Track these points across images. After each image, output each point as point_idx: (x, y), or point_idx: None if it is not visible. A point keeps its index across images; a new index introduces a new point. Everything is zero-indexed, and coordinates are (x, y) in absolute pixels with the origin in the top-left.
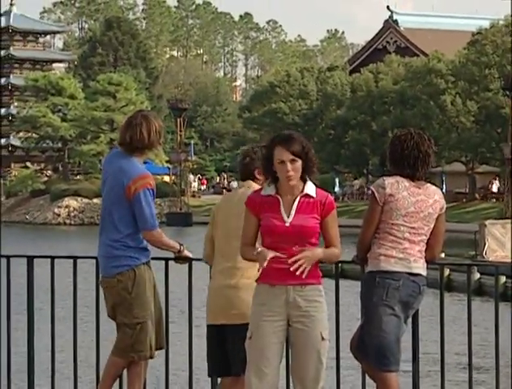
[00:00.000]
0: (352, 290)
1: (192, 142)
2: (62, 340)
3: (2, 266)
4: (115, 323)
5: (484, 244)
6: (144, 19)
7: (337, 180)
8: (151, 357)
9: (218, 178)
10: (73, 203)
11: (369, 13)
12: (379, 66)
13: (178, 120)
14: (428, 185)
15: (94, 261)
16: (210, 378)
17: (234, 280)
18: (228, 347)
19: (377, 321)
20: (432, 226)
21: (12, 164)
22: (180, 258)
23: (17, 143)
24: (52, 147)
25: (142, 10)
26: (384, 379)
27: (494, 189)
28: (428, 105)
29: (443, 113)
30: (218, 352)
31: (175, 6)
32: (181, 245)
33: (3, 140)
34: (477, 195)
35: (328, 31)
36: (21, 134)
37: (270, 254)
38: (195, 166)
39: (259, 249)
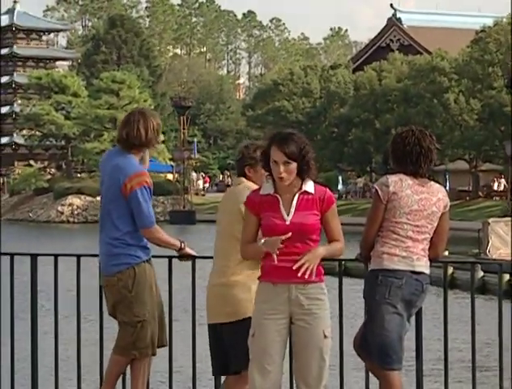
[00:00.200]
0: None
1: (195, 140)
2: (66, 339)
3: (6, 264)
4: (117, 322)
5: (488, 242)
6: (147, 17)
7: (340, 178)
8: (153, 354)
9: (221, 176)
10: (76, 200)
11: (372, 11)
12: (382, 64)
13: (181, 118)
14: (432, 183)
15: (97, 259)
16: (213, 377)
17: (225, 279)
18: (225, 345)
19: (380, 319)
20: (435, 224)
21: (16, 162)
22: (183, 256)
23: (20, 141)
24: (55, 145)
25: (146, 8)
26: (387, 377)
27: (495, 187)
28: (431, 103)
29: (446, 111)
30: (217, 351)
31: (178, 4)
32: (182, 242)
33: (7, 138)
34: (480, 193)
35: (331, 29)
36: (24, 132)
37: (280, 237)
38: (198, 164)
39: (263, 239)
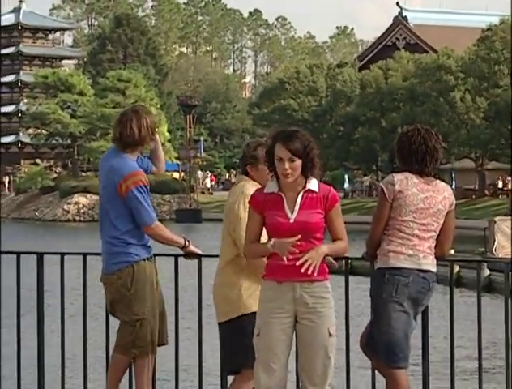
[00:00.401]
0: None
1: (201, 138)
2: (72, 337)
3: (12, 262)
4: (117, 320)
5: (494, 240)
6: (153, 15)
7: (346, 176)
8: (154, 353)
9: (227, 175)
10: (82, 199)
11: (378, 9)
12: (389, 63)
13: (188, 117)
14: (438, 181)
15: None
16: (220, 374)
17: (218, 278)
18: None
19: (386, 317)
20: (441, 223)
21: (22, 161)
22: (189, 255)
23: (27, 139)
24: (61, 143)
25: (152, 6)
26: (393, 376)
27: (500, 185)
28: (437, 102)
29: (453, 110)
30: (221, 351)
31: (184, 3)
32: (186, 239)
33: (13, 137)
34: (486, 192)
35: (337, 27)
36: (30, 130)
37: (290, 240)
38: (205, 163)
39: (272, 240)
